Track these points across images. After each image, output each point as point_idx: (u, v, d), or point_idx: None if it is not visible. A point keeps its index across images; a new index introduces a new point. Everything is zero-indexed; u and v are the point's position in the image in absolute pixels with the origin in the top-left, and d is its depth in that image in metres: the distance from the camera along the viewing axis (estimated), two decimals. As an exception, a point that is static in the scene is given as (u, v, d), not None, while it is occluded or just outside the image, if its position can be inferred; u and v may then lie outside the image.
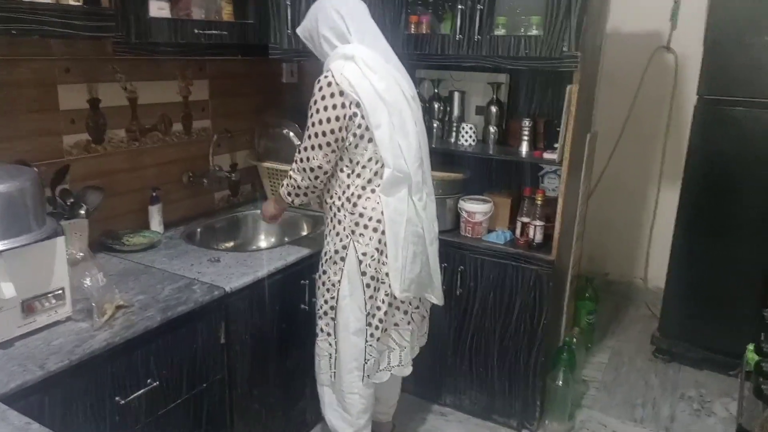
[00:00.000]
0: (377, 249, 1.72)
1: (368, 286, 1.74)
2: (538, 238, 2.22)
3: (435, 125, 2.48)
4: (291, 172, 1.78)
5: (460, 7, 2.11)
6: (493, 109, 2.41)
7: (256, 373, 1.86)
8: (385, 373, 1.86)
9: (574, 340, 2.49)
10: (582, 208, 2.55)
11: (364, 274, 1.72)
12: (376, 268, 1.73)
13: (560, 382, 2.26)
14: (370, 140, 1.66)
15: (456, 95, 2.48)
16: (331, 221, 1.78)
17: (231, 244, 2.29)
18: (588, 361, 2.85)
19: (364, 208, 1.71)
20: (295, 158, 1.75)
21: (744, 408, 1.72)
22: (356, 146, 1.67)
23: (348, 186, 1.72)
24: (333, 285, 1.77)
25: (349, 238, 1.73)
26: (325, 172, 1.72)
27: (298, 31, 1.82)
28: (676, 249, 2.76)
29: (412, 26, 2.25)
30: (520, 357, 2.26)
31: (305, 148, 1.70)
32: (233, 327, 1.72)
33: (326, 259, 1.79)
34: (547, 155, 2.20)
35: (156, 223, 2.07)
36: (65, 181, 1.78)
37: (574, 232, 2.46)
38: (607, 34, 2.60)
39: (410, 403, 2.43)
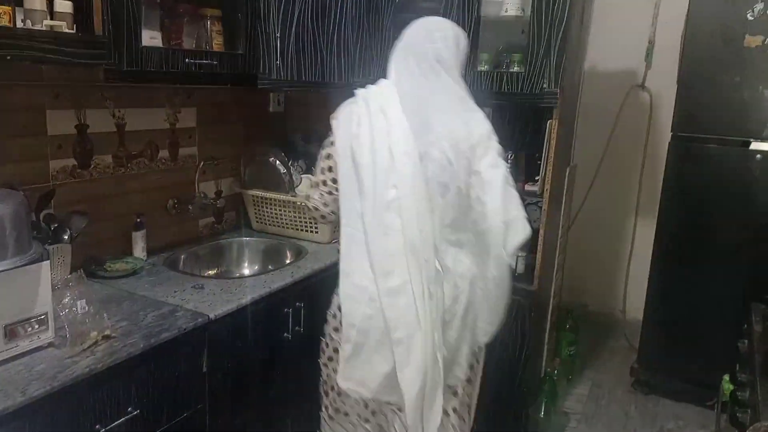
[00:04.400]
0: (333, 314, 1.68)
1: (330, 358, 1.68)
2: (520, 268, 2.26)
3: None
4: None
5: (445, 43, 2.18)
6: (476, 141, 2.47)
7: (237, 403, 1.84)
8: None
9: (555, 371, 2.51)
10: (562, 240, 2.60)
11: (327, 344, 1.70)
12: (334, 338, 1.66)
13: (542, 414, 2.27)
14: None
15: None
16: None
17: (215, 271, 2.28)
18: (569, 393, 2.86)
19: (338, 260, 1.62)
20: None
21: (721, 438, 1.74)
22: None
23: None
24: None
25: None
26: (322, 216, 1.66)
27: None
28: (653, 281, 2.82)
29: (398, 60, 2.31)
30: (501, 388, 2.27)
31: (310, 186, 1.68)
32: (216, 355, 1.70)
33: None
34: (528, 187, 2.26)
35: (139, 249, 2.06)
36: (50, 205, 1.77)
37: (554, 263, 2.50)
38: (585, 72, 2.70)
39: None
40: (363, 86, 1.60)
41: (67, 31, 1.51)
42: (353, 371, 1.56)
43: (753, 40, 2.43)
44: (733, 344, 1.85)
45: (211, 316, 1.65)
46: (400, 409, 1.58)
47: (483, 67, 2.21)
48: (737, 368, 1.52)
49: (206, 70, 1.96)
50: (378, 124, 1.49)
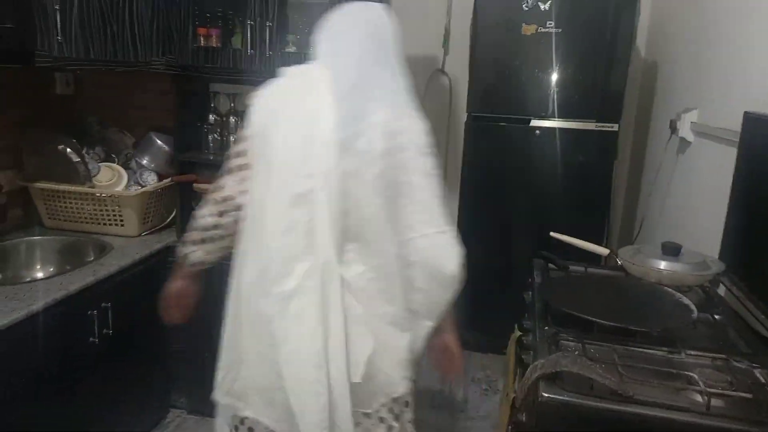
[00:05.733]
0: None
1: None
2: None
3: (233, 140, 2.46)
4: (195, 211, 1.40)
5: (249, 22, 2.13)
6: (290, 123, 2.47)
7: (34, 420, 1.64)
8: None
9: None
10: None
11: None
12: None
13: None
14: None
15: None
16: None
17: (-2, 277, 2.00)
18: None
19: None
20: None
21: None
22: None
23: None
24: None
25: None
26: (237, 207, 1.34)
27: None
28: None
29: (202, 39, 2.21)
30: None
31: (219, 177, 1.38)
32: (2, 373, 1.50)
33: None
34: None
35: None
36: None
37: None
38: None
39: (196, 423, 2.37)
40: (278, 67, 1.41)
41: None
42: (233, 383, 1.36)
43: (528, 29, 2.75)
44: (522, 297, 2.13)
45: (-7, 328, 1.45)
46: None
47: (291, 48, 2.21)
48: (525, 316, 1.75)
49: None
50: (304, 107, 1.28)
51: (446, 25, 3.39)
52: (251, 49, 2.15)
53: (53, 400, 1.69)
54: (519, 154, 2.90)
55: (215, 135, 2.44)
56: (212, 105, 2.50)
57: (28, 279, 2.04)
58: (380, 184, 1.27)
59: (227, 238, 1.37)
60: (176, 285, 1.48)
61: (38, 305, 1.60)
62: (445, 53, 3.47)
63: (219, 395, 1.39)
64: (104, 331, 1.84)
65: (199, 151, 2.42)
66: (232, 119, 2.45)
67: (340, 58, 1.34)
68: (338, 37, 1.37)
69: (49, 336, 1.65)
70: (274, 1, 2.10)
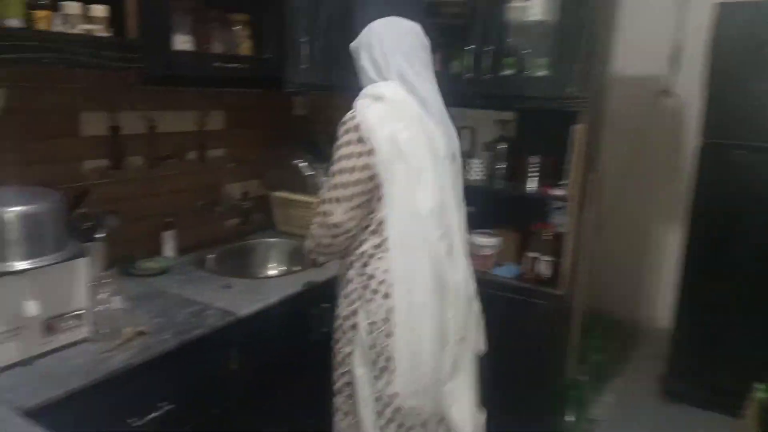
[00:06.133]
0: (385, 319, 1.48)
1: (374, 363, 1.50)
2: (546, 272, 2.25)
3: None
4: (312, 227, 1.55)
5: (472, 46, 2.18)
6: (501, 145, 2.46)
7: (264, 402, 1.85)
8: None
9: (582, 378, 2.48)
10: (590, 245, 2.58)
11: (372, 347, 1.49)
12: (386, 345, 1.48)
13: (569, 420, 2.25)
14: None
15: (465, 131, 2.54)
16: (343, 280, 1.59)
17: (242, 271, 2.30)
18: (596, 400, 2.82)
19: (375, 268, 1.49)
20: (317, 210, 1.53)
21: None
22: (378, 199, 1.47)
23: (361, 242, 1.51)
24: (343, 359, 1.57)
25: (358, 303, 1.52)
26: (347, 231, 1.49)
27: (351, 45, 1.62)
28: (683, 289, 2.76)
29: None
30: (527, 394, 2.25)
31: (324, 201, 1.49)
32: (244, 354, 1.72)
33: (336, 326, 1.60)
34: (555, 191, 2.24)
35: (169, 248, 2.10)
36: (83, 205, 1.81)
37: (582, 268, 2.48)
38: (611, 77, 2.68)
39: None
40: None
41: (102, 35, 1.55)
42: (409, 383, 1.49)
43: (783, 46, 2.39)
44: (764, 354, 1.82)
45: (240, 314, 1.67)
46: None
47: (508, 71, 2.21)
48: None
49: (234, 74, 1.99)
50: (421, 130, 1.47)
51: (678, 42, 3.11)
52: (469, 72, 2.21)
53: (276, 386, 1.89)
54: (765, 188, 2.51)
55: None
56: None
57: (264, 275, 2.34)
58: (460, 185, 1.62)
59: (342, 250, 1.56)
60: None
61: (273, 299, 1.81)
62: (675, 73, 3.18)
63: (408, 400, 1.52)
64: (322, 329, 2.00)
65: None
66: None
67: (418, 80, 1.51)
68: (409, 54, 1.52)
69: (280, 328, 1.85)
70: (496, 26, 2.13)
